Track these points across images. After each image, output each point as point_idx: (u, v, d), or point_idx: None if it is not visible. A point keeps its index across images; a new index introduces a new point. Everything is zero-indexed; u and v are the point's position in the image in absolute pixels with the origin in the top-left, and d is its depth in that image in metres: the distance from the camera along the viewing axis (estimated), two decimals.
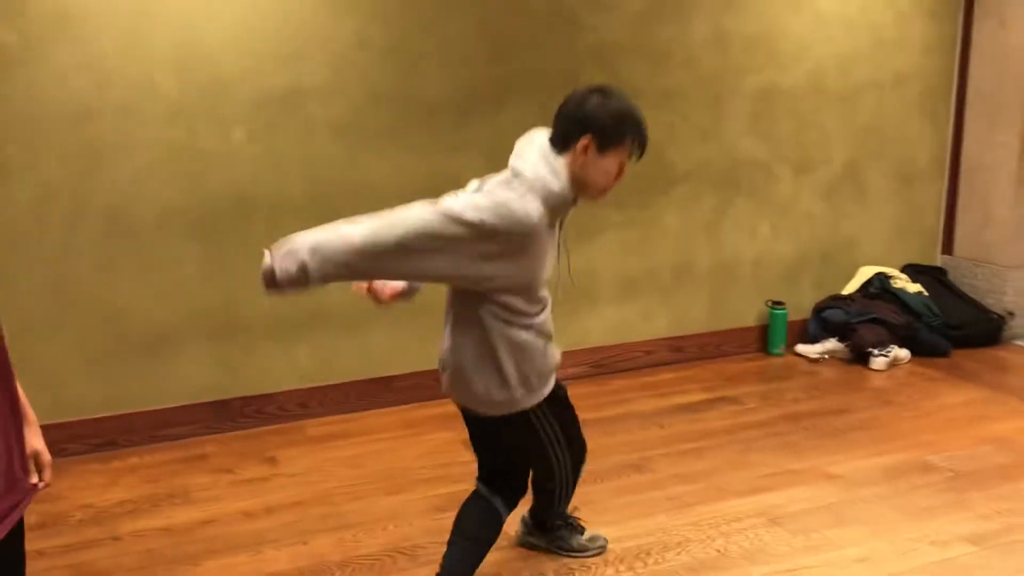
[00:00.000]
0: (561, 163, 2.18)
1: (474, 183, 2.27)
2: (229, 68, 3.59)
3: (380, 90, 3.82)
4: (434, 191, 3.92)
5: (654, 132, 4.31)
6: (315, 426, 3.88)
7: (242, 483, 3.36)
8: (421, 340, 4.08)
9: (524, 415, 2.36)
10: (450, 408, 4.00)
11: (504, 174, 2.20)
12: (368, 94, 3.81)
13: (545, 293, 2.31)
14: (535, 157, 2.17)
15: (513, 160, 2.21)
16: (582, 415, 3.88)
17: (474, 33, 3.93)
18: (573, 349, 4.34)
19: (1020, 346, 4.77)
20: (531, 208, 2.09)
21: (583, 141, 2.16)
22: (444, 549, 2.83)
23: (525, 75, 4.03)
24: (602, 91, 2.20)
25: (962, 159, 4.98)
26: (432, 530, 2.97)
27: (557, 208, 2.17)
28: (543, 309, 2.31)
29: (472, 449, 2.62)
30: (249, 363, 3.83)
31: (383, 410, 4.04)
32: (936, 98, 4.93)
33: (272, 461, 3.55)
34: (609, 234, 4.33)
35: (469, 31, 3.93)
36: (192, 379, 3.75)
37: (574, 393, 4.13)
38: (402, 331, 4.05)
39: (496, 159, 3.98)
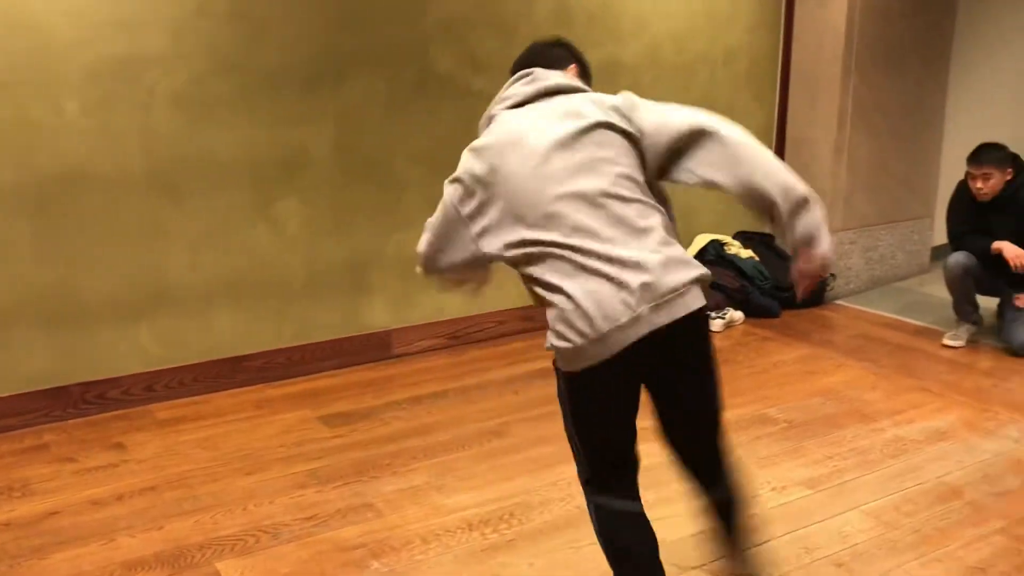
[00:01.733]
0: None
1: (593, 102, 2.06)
2: (59, 35, 3.37)
3: (223, 59, 3.69)
4: (281, 163, 3.88)
5: None
6: (163, 410, 3.74)
7: (87, 471, 3.21)
8: (268, 320, 4.01)
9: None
10: (302, 387, 3.99)
11: (582, 96, 2.08)
12: (210, 63, 3.67)
13: None
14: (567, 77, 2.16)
15: (559, 82, 2.11)
16: (441, 385, 3.97)
17: (318, 2, 3.85)
18: (429, 322, 4.37)
19: (841, 305, 5.16)
20: None
21: (573, 68, 2.22)
22: (308, 525, 2.82)
23: (373, 46, 4.00)
24: (557, 42, 2.31)
25: (787, 132, 5.31)
26: (293, 507, 2.94)
27: None
28: None
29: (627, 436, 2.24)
30: (89, 347, 3.65)
31: (233, 391, 3.94)
32: (762, 73, 5.23)
33: (119, 447, 3.40)
34: None
35: (313, 0, 3.84)
36: (26, 365, 3.54)
37: (431, 365, 4.22)
38: (249, 311, 3.96)
39: (344, 130, 3.97)
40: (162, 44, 3.56)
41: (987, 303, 4.60)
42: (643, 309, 1.87)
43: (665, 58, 4.83)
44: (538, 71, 2.16)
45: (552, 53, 2.25)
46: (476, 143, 2.11)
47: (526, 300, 4.72)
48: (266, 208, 3.90)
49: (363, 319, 4.22)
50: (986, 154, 4.29)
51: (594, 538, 2.74)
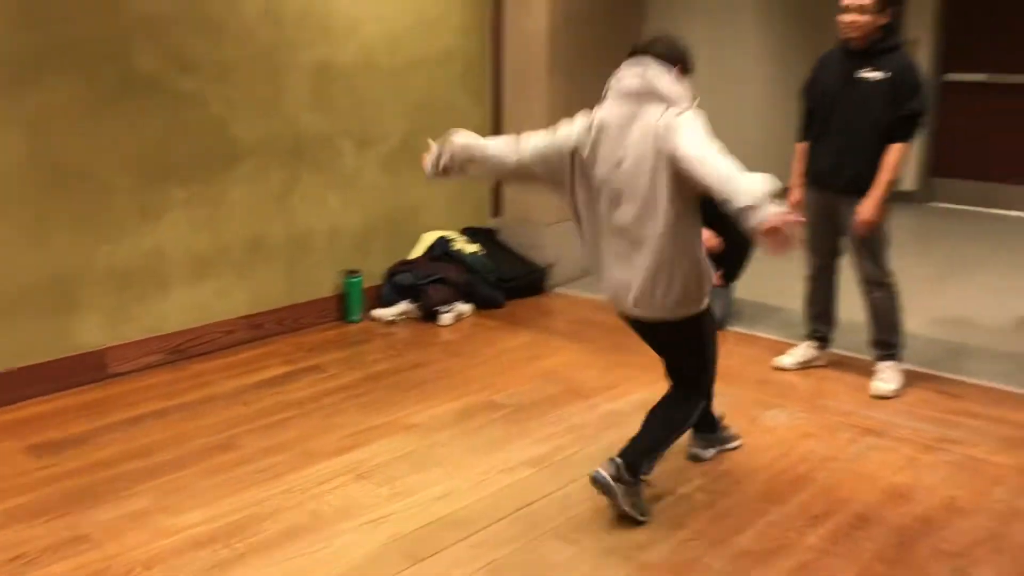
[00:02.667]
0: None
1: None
2: None
3: None
4: None
5: (215, 106, 4.27)
6: None
7: None
8: None
9: None
10: (5, 417, 3.67)
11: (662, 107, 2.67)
12: None
13: None
14: (670, 82, 2.71)
15: (655, 85, 2.69)
16: (162, 403, 3.80)
17: None
18: (147, 337, 4.15)
19: (560, 293, 5.47)
20: None
21: (678, 68, 2.76)
22: (12, 567, 2.61)
23: (65, 45, 3.72)
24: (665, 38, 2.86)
25: (502, 131, 5.54)
26: (5, 546, 2.70)
27: None
28: None
29: None
30: None
31: None
32: (477, 74, 5.42)
33: None
34: (175, 213, 4.17)
35: None
36: None
37: (152, 382, 4.01)
38: None
39: (39, 137, 3.68)
40: None
41: None
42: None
43: (380, 60, 4.89)
44: (650, 68, 2.71)
45: (666, 51, 2.76)
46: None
47: (254, 307, 4.61)
48: None
49: (73, 339, 3.93)
50: None
51: (329, 541, 2.76)
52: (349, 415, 3.68)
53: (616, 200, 2.72)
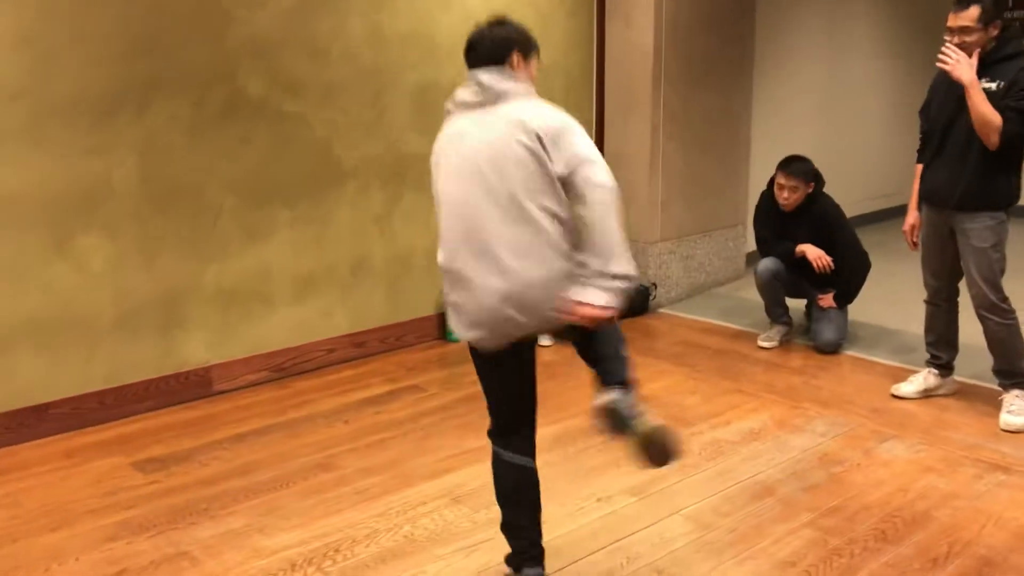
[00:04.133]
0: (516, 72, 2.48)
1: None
2: None
3: (9, 87, 3.44)
4: (79, 196, 3.67)
5: (319, 128, 4.32)
6: None
7: None
8: (76, 362, 3.77)
9: None
10: (115, 432, 3.77)
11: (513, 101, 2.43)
12: None
13: None
14: (511, 80, 2.44)
15: (501, 86, 2.42)
16: (264, 421, 3.84)
17: (113, 26, 3.67)
18: (252, 355, 4.22)
19: (664, 313, 5.33)
20: None
21: (514, 56, 2.46)
22: None
23: (175, 70, 3.83)
24: (498, 22, 2.51)
25: (605, 146, 5.45)
26: (102, 562, 2.76)
27: None
28: None
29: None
30: None
31: (40, 441, 3.68)
32: (579, 91, 5.35)
33: None
34: (281, 233, 4.24)
35: (108, 24, 3.65)
36: None
37: (255, 400, 4.08)
38: (54, 354, 3.70)
39: (150, 159, 3.79)
40: None
41: (796, 304, 4.86)
42: None
43: None
44: (484, 80, 2.40)
45: (494, 49, 2.44)
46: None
47: (357, 326, 4.64)
48: (64, 245, 3.66)
49: (180, 356, 4.03)
50: (796, 165, 4.53)
51: (422, 567, 2.72)
52: (447, 437, 3.64)
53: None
